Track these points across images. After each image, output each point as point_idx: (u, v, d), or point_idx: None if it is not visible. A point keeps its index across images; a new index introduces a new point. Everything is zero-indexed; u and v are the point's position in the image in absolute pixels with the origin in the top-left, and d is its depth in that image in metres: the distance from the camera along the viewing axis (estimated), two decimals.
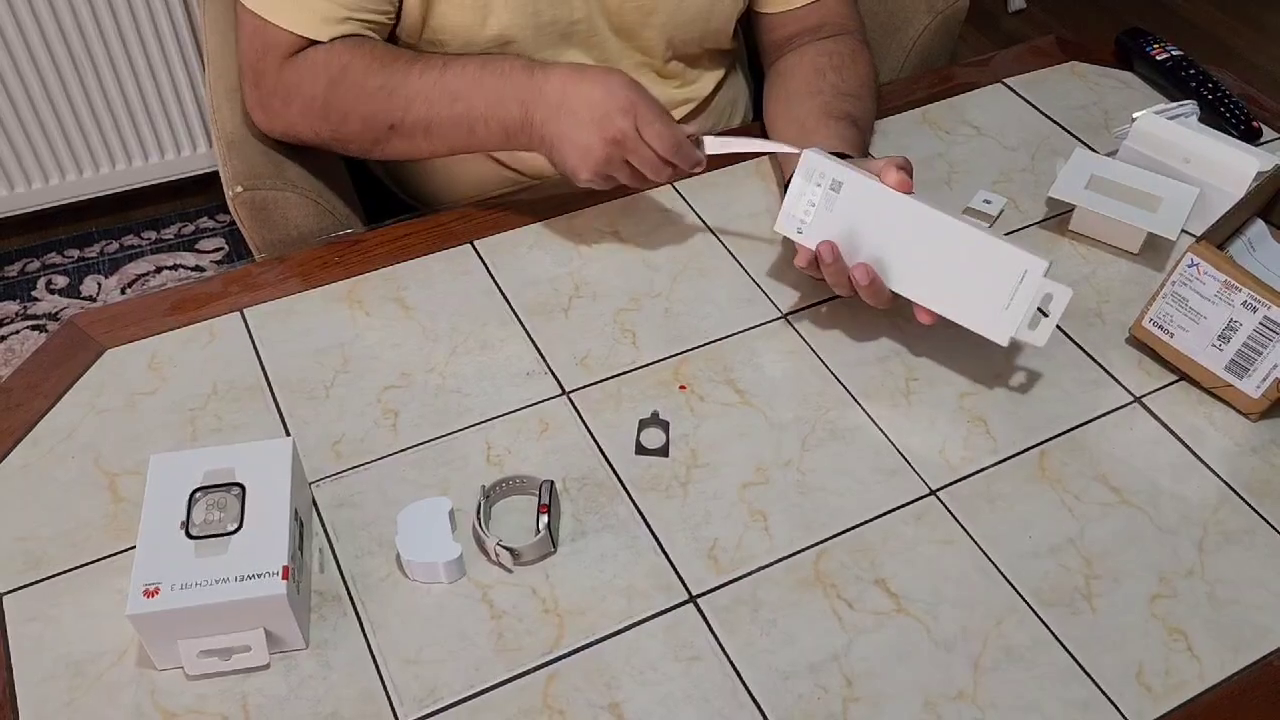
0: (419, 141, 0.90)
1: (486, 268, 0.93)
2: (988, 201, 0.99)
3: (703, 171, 0.90)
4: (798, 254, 0.86)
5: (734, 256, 0.94)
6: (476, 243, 0.95)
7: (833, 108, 0.96)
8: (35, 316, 1.88)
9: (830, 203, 0.83)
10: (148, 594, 0.63)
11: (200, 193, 2.04)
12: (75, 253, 1.99)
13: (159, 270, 1.97)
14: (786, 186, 0.88)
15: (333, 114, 0.90)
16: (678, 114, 1.08)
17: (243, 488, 0.68)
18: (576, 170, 0.86)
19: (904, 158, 0.85)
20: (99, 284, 1.94)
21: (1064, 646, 0.69)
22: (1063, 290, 0.79)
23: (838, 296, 0.88)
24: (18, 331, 1.86)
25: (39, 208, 1.92)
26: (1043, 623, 0.71)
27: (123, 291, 1.92)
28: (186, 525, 0.66)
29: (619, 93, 0.83)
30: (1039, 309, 0.80)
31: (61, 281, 1.94)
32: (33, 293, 1.92)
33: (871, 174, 0.83)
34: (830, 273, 0.83)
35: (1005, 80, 1.14)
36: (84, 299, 1.91)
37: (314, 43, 0.90)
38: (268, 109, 0.94)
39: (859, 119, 0.96)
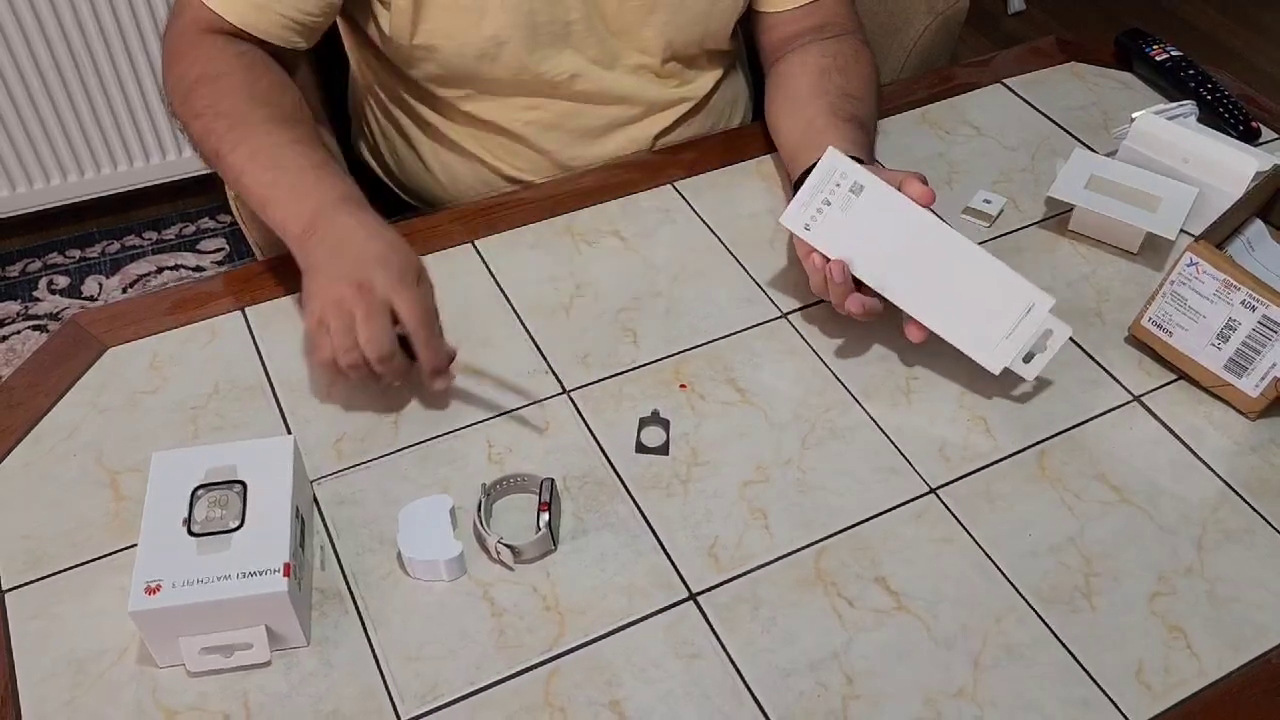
0: (231, 182, 0.87)
1: (487, 267, 0.93)
2: (988, 201, 0.99)
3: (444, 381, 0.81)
4: (800, 248, 0.85)
5: (734, 256, 0.94)
6: (477, 242, 0.95)
7: (839, 109, 0.95)
8: (36, 316, 1.89)
9: (847, 204, 0.83)
10: (149, 591, 0.63)
11: (201, 193, 2.05)
12: (76, 253, 2.00)
13: (160, 270, 1.97)
14: (796, 186, 0.88)
15: (188, 106, 0.87)
16: (674, 113, 1.07)
17: (244, 485, 0.68)
18: (309, 300, 0.78)
19: (921, 175, 0.84)
20: (100, 284, 1.94)
21: (1064, 645, 0.70)
22: (1063, 329, 0.81)
23: None
24: (19, 331, 1.86)
25: (40, 208, 1.93)
26: (1042, 621, 0.71)
27: (124, 291, 1.92)
28: (188, 522, 0.66)
29: (399, 254, 0.78)
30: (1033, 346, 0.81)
31: (63, 281, 1.95)
32: (34, 293, 1.93)
33: (890, 184, 0.83)
34: (836, 292, 0.83)
35: (1005, 80, 1.14)
36: (85, 299, 1.91)
37: (225, 27, 0.88)
38: (162, 64, 0.92)
39: (865, 121, 0.97)
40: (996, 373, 0.81)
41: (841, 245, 0.83)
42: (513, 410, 0.82)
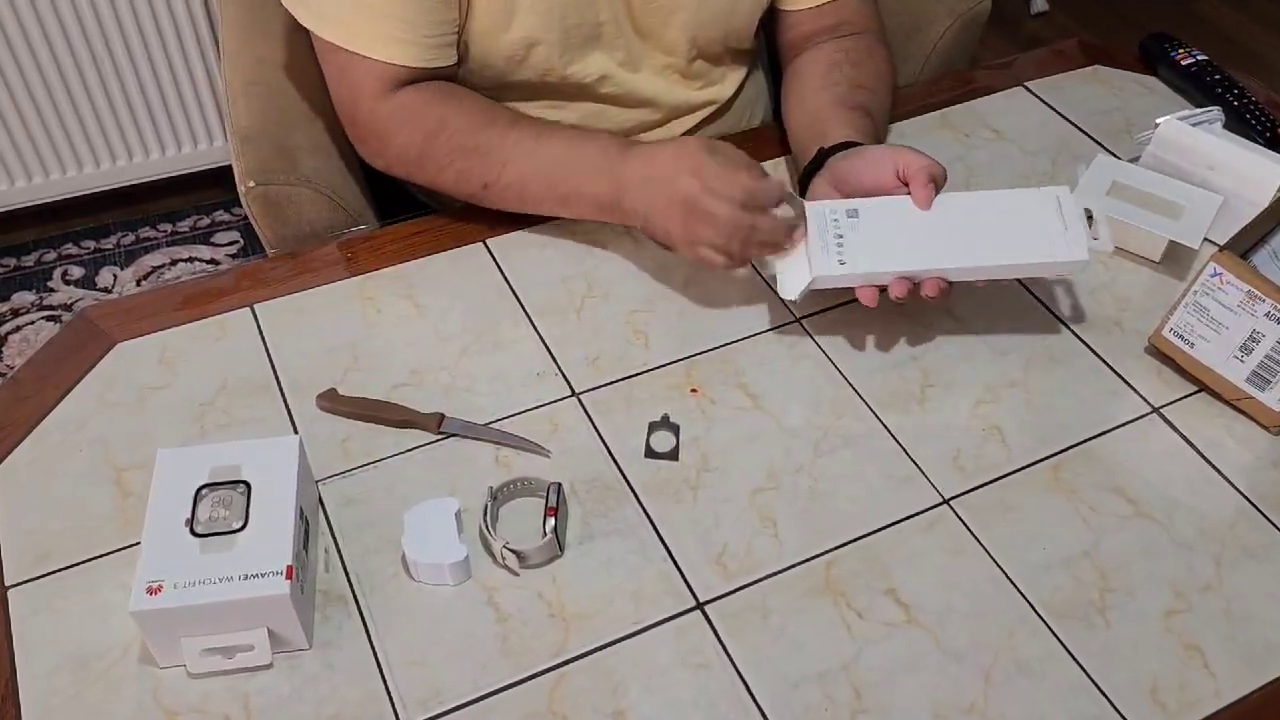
0: (511, 201, 0.92)
1: (499, 267, 0.92)
2: None
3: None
4: (857, 292, 0.82)
5: None
6: (489, 241, 0.94)
7: (846, 99, 0.95)
8: (51, 307, 1.89)
9: (855, 227, 0.82)
10: (151, 591, 0.62)
11: (216, 186, 2.05)
12: (91, 244, 2.00)
13: (174, 263, 1.97)
14: (804, 179, 0.88)
15: (429, 164, 0.91)
16: (699, 116, 1.07)
17: (248, 485, 0.67)
18: (670, 241, 0.85)
19: (929, 168, 0.83)
20: (114, 275, 1.95)
21: (1076, 660, 0.68)
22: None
23: (852, 300, 0.87)
24: (33, 322, 1.87)
25: (56, 199, 1.93)
26: (1055, 636, 0.69)
27: (138, 284, 1.92)
28: (191, 522, 0.66)
29: (685, 158, 0.83)
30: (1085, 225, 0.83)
31: (77, 272, 1.95)
32: (49, 283, 1.93)
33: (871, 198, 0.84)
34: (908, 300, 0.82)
35: (1026, 84, 1.13)
36: (99, 290, 1.92)
37: (399, 76, 0.89)
38: (365, 147, 0.95)
39: (873, 110, 0.96)
40: (1086, 258, 0.81)
41: (878, 257, 0.81)
42: (522, 412, 0.81)
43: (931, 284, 0.81)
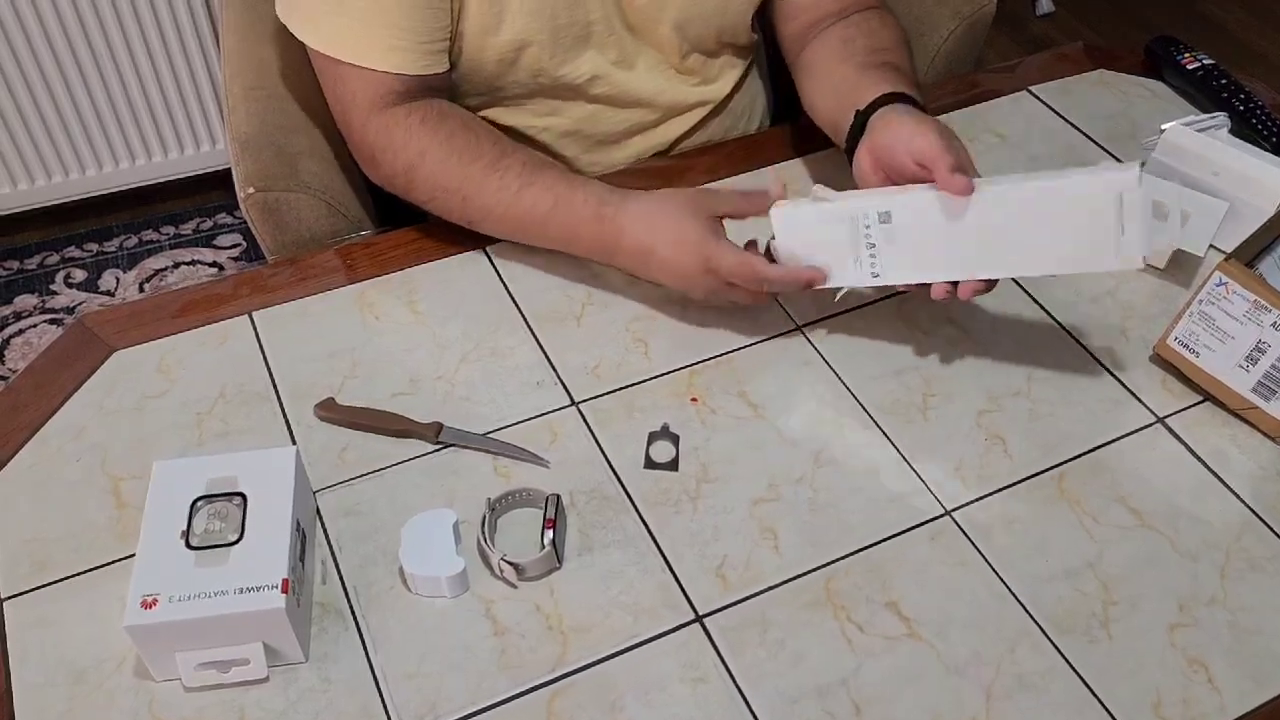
0: (507, 236, 0.92)
1: (499, 274, 0.92)
2: None
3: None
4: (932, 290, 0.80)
5: None
6: (489, 248, 0.94)
7: (868, 62, 0.91)
8: (53, 310, 1.89)
9: (890, 236, 0.78)
10: (145, 605, 0.62)
11: (219, 188, 2.04)
12: (94, 247, 2.00)
13: (177, 265, 1.97)
14: (850, 153, 0.85)
15: (413, 194, 0.91)
16: (696, 116, 1.05)
17: (244, 497, 0.67)
18: (687, 291, 0.87)
19: (949, 159, 0.76)
20: (117, 278, 1.94)
21: (1079, 675, 0.68)
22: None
23: (854, 308, 0.87)
24: (35, 325, 1.86)
25: (59, 202, 1.93)
26: (1057, 650, 0.69)
27: (140, 288, 1.92)
28: (187, 535, 0.65)
29: (691, 255, 0.82)
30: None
31: (80, 275, 1.95)
32: (51, 286, 1.93)
33: (907, 187, 0.79)
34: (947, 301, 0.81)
35: (1031, 88, 1.12)
36: (102, 293, 1.92)
37: (393, 86, 0.89)
38: (359, 162, 0.95)
39: (899, 65, 0.91)
40: (1141, 266, 0.73)
41: (913, 268, 0.79)
42: (521, 421, 0.80)
43: (968, 288, 0.78)
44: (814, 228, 0.80)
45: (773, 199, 0.81)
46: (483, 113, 1.00)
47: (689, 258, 0.82)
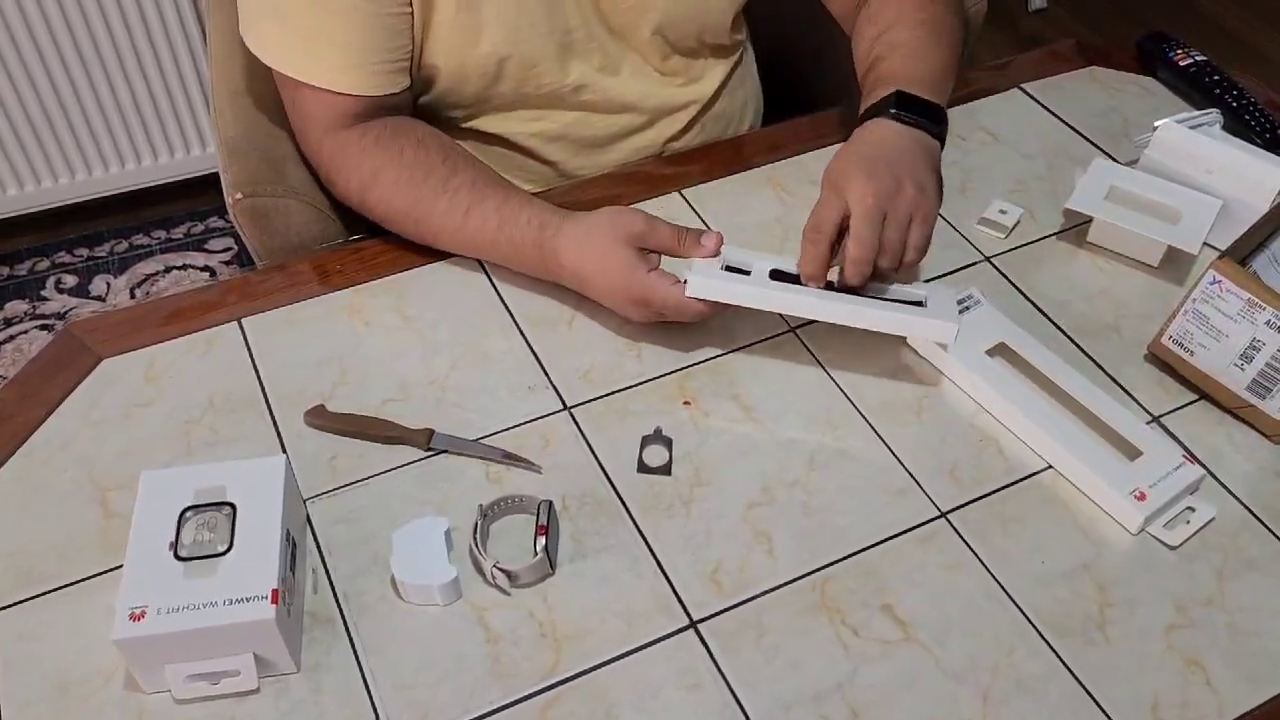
0: (459, 252, 0.91)
1: (489, 278, 0.91)
2: (1003, 211, 0.96)
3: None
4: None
5: None
6: None
7: (867, 59, 0.93)
8: (44, 316, 1.88)
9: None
10: (134, 617, 0.61)
11: (210, 192, 2.03)
12: (85, 252, 1.99)
13: (168, 270, 1.96)
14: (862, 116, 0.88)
15: (370, 213, 0.91)
16: (682, 118, 1.05)
17: (233, 507, 0.66)
18: (619, 312, 0.86)
19: (856, 260, 0.79)
20: (108, 283, 1.94)
21: (1076, 678, 0.67)
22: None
23: None
24: (26, 331, 1.86)
25: (49, 206, 1.92)
26: (1054, 653, 0.68)
27: (131, 294, 1.91)
28: (175, 546, 0.65)
29: (618, 283, 0.82)
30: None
31: (71, 281, 1.94)
32: (41, 292, 1.92)
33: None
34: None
35: (1022, 85, 1.11)
36: (93, 299, 1.91)
37: (347, 107, 0.88)
38: (320, 177, 0.95)
39: (905, 51, 0.91)
40: (1134, 533, 0.74)
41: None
42: (513, 427, 0.80)
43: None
44: (722, 293, 0.81)
45: (705, 252, 0.82)
46: (469, 123, 0.99)
47: (618, 285, 0.82)
